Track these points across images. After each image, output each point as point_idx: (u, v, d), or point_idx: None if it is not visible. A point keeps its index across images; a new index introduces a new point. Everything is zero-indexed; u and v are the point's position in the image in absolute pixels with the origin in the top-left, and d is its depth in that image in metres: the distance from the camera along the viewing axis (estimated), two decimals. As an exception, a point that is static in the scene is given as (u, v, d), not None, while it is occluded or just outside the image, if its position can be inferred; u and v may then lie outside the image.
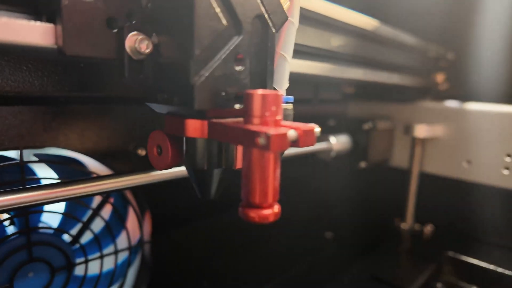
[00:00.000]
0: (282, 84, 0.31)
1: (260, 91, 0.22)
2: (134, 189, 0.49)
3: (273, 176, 0.23)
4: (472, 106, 0.73)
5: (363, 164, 0.71)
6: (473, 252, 0.66)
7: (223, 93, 0.24)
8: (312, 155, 0.68)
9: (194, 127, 0.25)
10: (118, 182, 0.40)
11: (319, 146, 0.64)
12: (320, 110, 0.75)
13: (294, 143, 0.22)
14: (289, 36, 0.31)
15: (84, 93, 0.39)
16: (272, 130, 0.20)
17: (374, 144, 0.71)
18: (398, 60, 0.68)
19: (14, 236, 0.40)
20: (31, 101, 0.38)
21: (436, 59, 0.83)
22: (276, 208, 0.25)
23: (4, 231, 0.41)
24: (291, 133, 0.22)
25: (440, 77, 0.86)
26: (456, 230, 0.74)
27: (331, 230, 0.87)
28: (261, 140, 0.21)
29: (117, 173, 0.40)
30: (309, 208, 0.81)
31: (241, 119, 0.26)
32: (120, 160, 0.46)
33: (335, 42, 0.48)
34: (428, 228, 0.75)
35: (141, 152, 0.47)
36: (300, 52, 0.43)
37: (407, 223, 0.77)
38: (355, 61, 0.55)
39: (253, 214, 0.24)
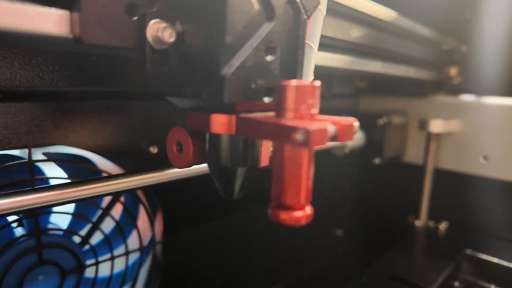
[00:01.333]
0: (307, 77, 0.29)
1: (295, 82, 0.20)
2: (146, 189, 0.47)
3: (307, 175, 0.22)
4: (489, 100, 0.71)
5: (377, 160, 0.69)
6: (491, 250, 0.65)
7: (253, 85, 0.22)
8: (325, 151, 0.66)
9: (221, 123, 0.23)
10: (129, 182, 0.38)
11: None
12: (332, 105, 0.73)
13: (333, 138, 0.20)
14: (317, 25, 0.29)
15: (95, 88, 0.38)
16: (312, 125, 0.19)
17: (388, 139, 0.69)
18: (413, 53, 0.66)
19: (23, 238, 0.38)
20: (40, 97, 0.36)
21: (449, 52, 0.81)
22: (309, 209, 0.23)
23: (13, 233, 0.39)
24: (331, 128, 0.20)
25: (453, 71, 0.84)
26: (472, 227, 0.73)
27: (342, 227, 0.85)
28: (299, 136, 0.19)
29: (128, 173, 0.38)
30: (320, 205, 0.79)
31: (271, 113, 0.24)
32: (131, 158, 0.44)
33: (355, 33, 0.46)
34: (443, 225, 0.74)
35: (153, 149, 0.45)
36: (321, 43, 0.41)
37: (421, 220, 0.75)
38: (373, 54, 0.53)
39: (285, 216, 0.22)
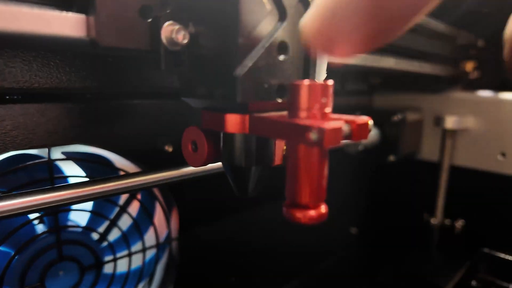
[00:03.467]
0: (320, 75, 0.29)
1: (307, 82, 0.20)
2: (162, 187, 0.48)
3: (321, 174, 0.22)
4: (506, 95, 0.69)
5: (392, 158, 0.68)
6: (509, 249, 0.63)
7: (266, 85, 0.23)
8: (339, 149, 0.66)
9: (234, 122, 0.24)
10: (146, 179, 0.39)
11: (346, 139, 0.61)
12: (346, 102, 0.73)
13: (347, 137, 0.20)
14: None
15: (111, 88, 0.38)
16: (326, 124, 0.19)
17: (404, 136, 0.68)
18: (428, 48, 0.65)
19: (44, 235, 0.39)
20: (58, 98, 0.37)
21: (466, 46, 0.79)
22: (323, 208, 0.23)
23: (34, 230, 0.40)
24: (345, 127, 0.20)
25: (469, 66, 0.82)
26: (489, 226, 0.71)
27: (356, 225, 0.84)
28: (312, 135, 0.19)
29: (145, 171, 0.39)
30: (334, 204, 0.79)
31: (284, 112, 0.24)
32: (147, 157, 0.45)
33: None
34: (460, 223, 0.73)
35: (169, 148, 0.46)
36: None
37: (437, 218, 0.74)
38: (386, 50, 0.52)
39: (299, 214, 0.23)
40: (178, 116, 0.46)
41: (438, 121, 0.70)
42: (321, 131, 0.19)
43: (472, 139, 0.71)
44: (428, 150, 0.76)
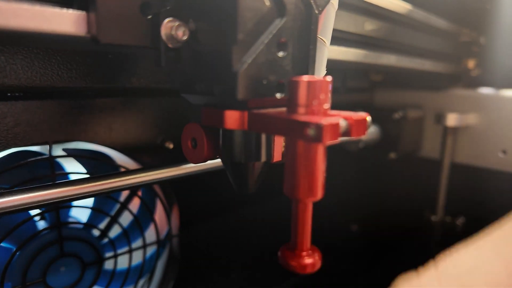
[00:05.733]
0: (319, 71, 0.29)
1: (306, 78, 0.21)
2: (163, 183, 0.48)
3: (319, 170, 0.22)
4: (508, 93, 0.69)
5: (392, 155, 0.68)
6: (509, 246, 0.63)
7: (265, 81, 0.23)
8: (340, 146, 0.66)
9: (234, 119, 0.24)
10: (146, 176, 0.39)
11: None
12: (347, 99, 0.73)
13: (345, 133, 0.20)
14: (329, 20, 0.29)
15: (112, 85, 0.39)
16: (323, 120, 0.19)
17: (405, 134, 0.68)
18: (429, 45, 0.65)
19: (45, 231, 0.39)
20: (59, 95, 0.37)
21: (467, 44, 0.79)
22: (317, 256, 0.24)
23: (35, 226, 0.41)
24: (343, 123, 0.20)
25: (471, 63, 0.82)
26: (490, 223, 0.71)
27: (356, 223, 0.85)
28: (310, 131, 0.19)
29: (146, 167, 0.39)
30: (334, 201, 0.79)
31: (282, 109, 0.24)
32: (147, 154, 0.45)
33: (368, 26, 0.45)
34: (460, 221, 0.73)
35: (169, 145, 0.46)
36: (334, 37, 0.41)
37: (438, 215, 0.74)
38: (387, 47, 0.52)
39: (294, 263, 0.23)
40: (179, 113, 0.47)
41: (439, 118, 0.70)
42: (319, 127, 0.19)
43: (473, 137, 0.71)
44: (429, 148, 0.76)
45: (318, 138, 0.19)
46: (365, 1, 0.43)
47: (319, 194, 0.22)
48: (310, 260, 0.23)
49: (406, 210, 0.78)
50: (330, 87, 0.21)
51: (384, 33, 0.50)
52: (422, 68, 0.62)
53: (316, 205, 0.23)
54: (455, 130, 0.71)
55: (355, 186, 0.81)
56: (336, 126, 0.19)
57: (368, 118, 0.21)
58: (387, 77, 0.78)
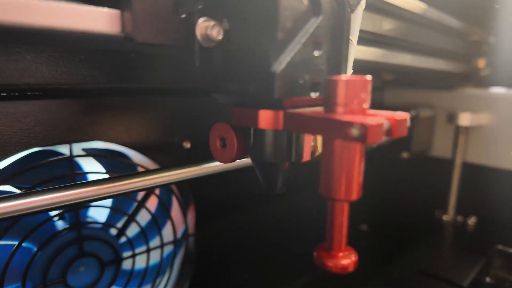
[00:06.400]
0: (348, 70, 0.29)
1: (346, 77, 0.20)
2: (180, 183, 0.48)
3: (359, 170, 0.22)
4: (520, 92, 0.69)
5: (405, 154, 0.68)
6: (522, 245, 0.63)
7: (301, 81, 0.23)
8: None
9: (268, 118, 0.24)
10: (164, 176, 0.39)
11: (360, 136, 0.61)
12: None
13: (387, 133, 0.20)
14: (357, 19, 0.28)
15: (132, 84, 0.38)
16: (368, 120, 0.19)
17: (417, 133, 0.68)
18: (441, 44, 0.65)
19: (65, 232, 0.39)
20: (79, 94, 0.37)
21: (477, 43, 0.79)
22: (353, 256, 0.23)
23: (54, 226, 0.41)
24: (386, 123, 0.20)
25: (481, 62, 0.82)
26: (502, 222, 0.71)
27: (366, 222, 0.84)
28: (354, 131, 0.19)
29: (163, 168, 0.39)
30: (344, 200, 0.79)
31: (317, 108, 0.24)
32: (165, 153, 0.45)
33: (386, 26, 0.45)
34: (472, 220, 0.72)
35: (186, 144, 0.46)
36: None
37: (449, 215, 0.74)
38: (403, 46, 0.52)
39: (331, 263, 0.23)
40: (196, 113, 0.46)
41: (451, 117, 0.70)
42: (364, 127, 0.19)
43: (484, 136, 0.71)
44: (441, 147, 0.76)
45: (362, 139, 0.19)
46: (384, 1, 0.43)
47: (357, 194, 0.22)
48: (347, 261, 0.23)
49: (417, 210, 0.78)
50: (370, 86, 0.21)
51: (400, 32, 0.50)
52: (435, 67, 0.62)
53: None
54: (467, 129, 0.71)
55: (365, 185, 0.80)
56: (380, 126, 0.19)
57: (408, 118, 0.21)
58: (398, 76, 0.78)
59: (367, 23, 0.43)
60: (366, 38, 0.44)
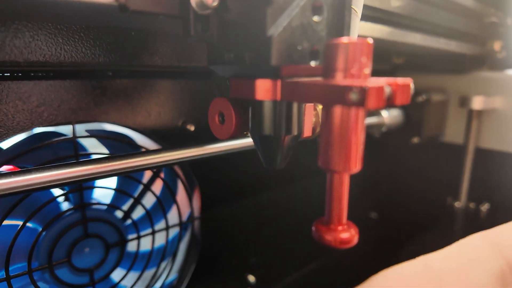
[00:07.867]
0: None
1: (345, 39, 0.19)
2: (185, 164, 0.48)
3: (358, 141, 0.21)
4: (537, 74, 0.66)
5: (415, 140, 0.67)
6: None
7: (299, 47, 0.22)
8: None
9: (266, 88, 0.23)
10: (169, 156, 0.38)
11: (369, 120, 0.60)
12: (367, 83, 0.71)
13: (389, 100, 0.19)
14: (361, -13, 0.27)
15: (134, 64, 0.38)
16: (367, 83, 0.18)
17: (428, 118, 0.66)
18: (454, 25, 0.63)
19: (69, 212, 0.39)
20: (82, 75, 0.37)
21: (494, 24, 0.76)
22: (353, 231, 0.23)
23: (60, 207, 0.41)
24: (387, 88, 0.19)
25: (497, 45, 0.79)
26: (516, 209, 0.69)
27: (376, 210, 0.83)
28: (353, 95, 0.18)
29: (167, 148, 0.39)
30: (352, 188, 0.78)
31: (316, 78, 0.23)
32: (169, 136, 0.45)
33: (394, 3, 0.44)
34: (485, 207, 0.71)
35: (190, 127, 0.46)
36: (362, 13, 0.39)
37: (461, 202, 0.73)
38: (413, 26, 0.50)
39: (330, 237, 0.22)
40: (201, 95, 0.46)
41: (464, 101, 0.68)
42: (362, 90, 0.18)
43: (498, 120, 0.69)
44: (453, 132, 0.73)
45: (361, 102, 0.18)
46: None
47: (357, 166, 0.21)
48: (347, 235, 0.22)
49: (428, 197, 0.76)
50: (372, 50, 0.20)
51: (409, 10, 0.48)
52: (447, 48, 0.60)
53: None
54: (480, 113, 0.69)
55: (375, 171, 0.79)
56: (380, 89, 0.18)
57: (412, 84, 0.20)
58: (409, 59, 0.76)
59: (374, 0, 0.41)
60: (374, 16, 0.43)
